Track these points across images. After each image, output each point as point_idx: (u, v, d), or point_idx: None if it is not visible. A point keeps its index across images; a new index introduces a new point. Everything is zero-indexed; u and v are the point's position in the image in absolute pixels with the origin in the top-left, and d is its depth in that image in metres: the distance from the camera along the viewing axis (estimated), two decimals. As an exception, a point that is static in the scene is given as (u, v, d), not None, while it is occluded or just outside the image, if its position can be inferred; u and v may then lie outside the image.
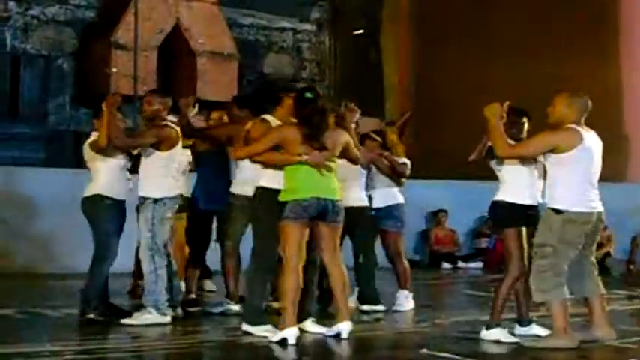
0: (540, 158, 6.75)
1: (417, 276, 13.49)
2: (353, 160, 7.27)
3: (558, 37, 16.94)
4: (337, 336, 6.77)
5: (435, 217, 14.40)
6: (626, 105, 17.11)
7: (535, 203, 6.88)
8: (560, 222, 6.48)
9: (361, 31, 20.74)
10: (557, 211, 6.50)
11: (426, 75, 18.71)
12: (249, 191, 7.35)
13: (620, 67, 17.25)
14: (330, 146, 6.82)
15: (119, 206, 7.61)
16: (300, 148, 6.71)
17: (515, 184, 6.87)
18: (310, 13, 20.85)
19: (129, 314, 7.44)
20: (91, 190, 7.62)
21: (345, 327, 6.78)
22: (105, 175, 7.59)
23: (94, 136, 7.68)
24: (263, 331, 6.85)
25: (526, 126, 7.05)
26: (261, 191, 7.02)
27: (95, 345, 6.43)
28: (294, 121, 6.93)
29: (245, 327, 7.01)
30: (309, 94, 6.89)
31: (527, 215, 6.82)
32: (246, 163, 7.40)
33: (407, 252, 14.48)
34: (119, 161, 7.63)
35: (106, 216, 7.55)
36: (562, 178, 6.52)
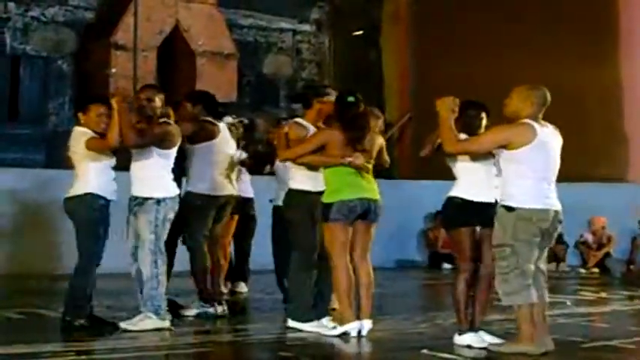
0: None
1: (417, 276, 13.57)
2: (382, 164, 7.42)
3: (559, 38, 16.93)
4: (358, 333, 6.94)
5: (435, 217, 14.40)
6: (626, 105, 17.08)
7: (491, 201, 6.50)
8: (513, 220, 6.18)
9: (360, 32, 20.73)
10: (509, 209, 6.19)
11: (425, 75, 18.71)
12: (203, 189, 7.76)
13: (620, 67, 17.24)
14: (369, 148, 7.10)
15: (108, 208, 7.18)
16: (342, 150, 6.95)
17: (469, 181, 6.62)
18: (310, 13, 20.87)
19: (112, 325, 7.14)
20: (81, 189, 7.12)
21: (366, 324, 6.96)
22: (96, 173, 7.14)
23: (82, 132, 7.16)
24: (311, 327, 7.10)
25: (484, 121, 6.76)
26: (294, 193, 7.30)
27: (95, 346, 6.43)
28: (320, 124, 7.27)
29: (293, 324, 7.22)
30: (351, 98, 7.08)
31: (481, 213, 6.52)
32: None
33: (407, 252, 14.55)
34: (110, 160, 7.22)
35: (97, 217, 7.10)
36: (515, 175, 6.22)
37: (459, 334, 6.63)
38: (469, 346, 6.49)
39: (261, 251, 9.68)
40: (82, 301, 7.10)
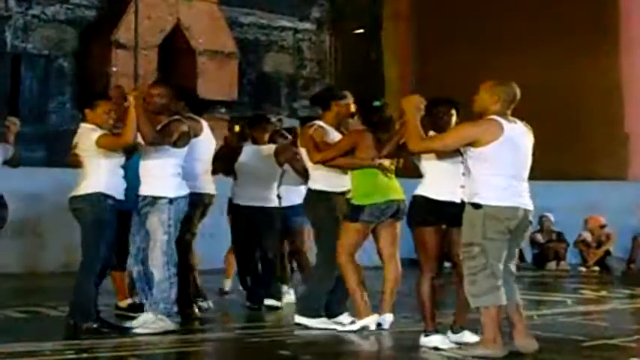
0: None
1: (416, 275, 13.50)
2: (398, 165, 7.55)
3: (559, 36, 16.93)
4: (379, 326, 7.10)
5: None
6: (627, 103, 17.08)
7: (456, 200, 6.36)
8: (481, 218, 5.98)
9: (361, 30, 20.73)
10: (477, 206, 6.00)
11: (426, 74, 18.70)
12: (190, 187, 7.63)
13: (620, 66, 17.23)
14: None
15: (116, 208, 6.96)
16: (370, 153, 7.08)
17: (435, 179, 6.50)
18: (310, 12, 20.87)
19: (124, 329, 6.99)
20: (90, 187, 6.90)
21: (387, 318, 7.15)
22: (106, 172, 6.93)
23: (90, 129, 6.97)
24: (320, 324, 7.22)
25: (454, 118, 6.64)
26: (315, 193, 7.42)
27: (95, 344, 6.41)
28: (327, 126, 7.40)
29: (301, 320, 7.31)
30: (377, 103, 7.30)
31: (446, 213, 6.38)
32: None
33: (407, 251, 14.54)
34: (121, 158, 7.02)
35: (106, 218, 6.88)
36: (482, 173, 6.03)
37: (425, 336, 6.48)
38: (436, 348, 6.37)
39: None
40: (89, 303, 6.92)
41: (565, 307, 9.11)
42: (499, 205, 6.00)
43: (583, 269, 14.08)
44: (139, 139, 6.93)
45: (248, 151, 8.75)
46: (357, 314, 7.17)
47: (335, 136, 7.42)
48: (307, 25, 20.71)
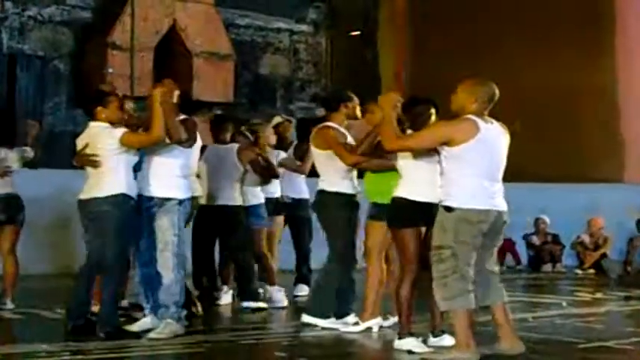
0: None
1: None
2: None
3: (555, 38, 16.93)
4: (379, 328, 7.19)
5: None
6: (623, 106, 17.08)
7: (435, 201, 6.22)
8: (454, 220, 5.91)
9: (358, 33, 20.72)
10: (449, 209, 5.94)
11: (422, 76, 18.69)
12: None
13: (616, 68, 17.23)
14: None
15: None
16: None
17: (414, 180, 6.46)
18: (307, 14, 20.84)
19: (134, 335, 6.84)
20: (113, 188, 6.68)
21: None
22: (125, 171, 6.75)
23: (105, 127, 6.78)
24: (329, 324, 7.28)
25: (433, 117, 6.58)
26: (328, 194, 7.39)
27: (91, 346, 6.41)
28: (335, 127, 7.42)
29: (309, 319, 7.33)
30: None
31: (426, 214, 6.28)
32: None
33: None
34: (135, 158, 6.84)
35: (129, 221, 6.71)
36: (456, 173, 5.96)
37: (399, 339, 6.45)
38: (409, 352, 6.33)
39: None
40: (114, 307, 6.84)
41: (561, 310, 9.12)
42: (471, 208, 5.94)
43: (579, 271, 14.09)
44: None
45: (210, 150, 8.76)
46: (362, 315, 7.19)
47: (348, 138, 7.42)
48: (304, 27, 20.68)
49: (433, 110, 6.64)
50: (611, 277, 13.57)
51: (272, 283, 8.97)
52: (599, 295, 10.87)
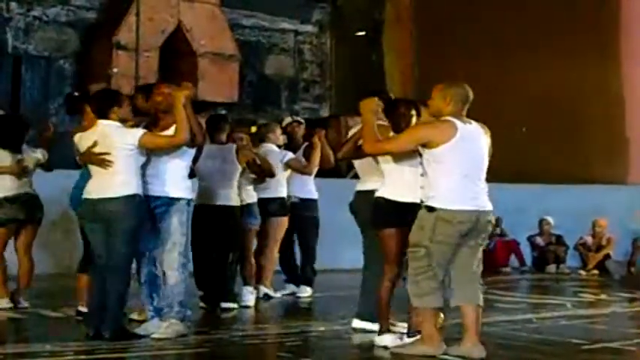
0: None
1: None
2: None
3: (560, 39, 16.91)
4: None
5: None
6: (628, 108, 17.07)
7: (417, 201, 6.25)
8: (433, 220, 5.99)
9: (363, 33, 20.72)
10: (430, 209, 6.01)
11: (428, 77, 18.69)
12: None
13: (621, 70, 17.22)
14: None
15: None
16: None
17: (395, 181, 6.49)
18: (312, 14, 20.85)
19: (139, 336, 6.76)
20: (128, 189, 6.60)
21: None
22: (137, 173, 6.68)
23: (119, 126, 6.68)
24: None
25: (414, 119, 6.58)
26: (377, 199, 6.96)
27: (94, 345, 6.41)
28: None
29: (360, 324, 7.20)
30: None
31: (408, 214, 6.24)
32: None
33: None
34: (144, 157, 6.76)
35: (142, 221, 6.67)
36: (437, 174, 6.03)
37: (379, 335, 6.56)
38: (385, 347, 6.41)
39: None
40: (120, 308, 6.73)
41: (565, 311, 9.11)
42: (453, 209, 6.00)
43: (583, 273, 14.07)
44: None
45: (207, 150, 8.74)
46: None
47: None
48: (309, 28, 20.68)
49: (414, 112, 6.65)
50: (615, 278, 13.56)
51: (257, 283, 9.08)
52: (603, 296, 10.87)
